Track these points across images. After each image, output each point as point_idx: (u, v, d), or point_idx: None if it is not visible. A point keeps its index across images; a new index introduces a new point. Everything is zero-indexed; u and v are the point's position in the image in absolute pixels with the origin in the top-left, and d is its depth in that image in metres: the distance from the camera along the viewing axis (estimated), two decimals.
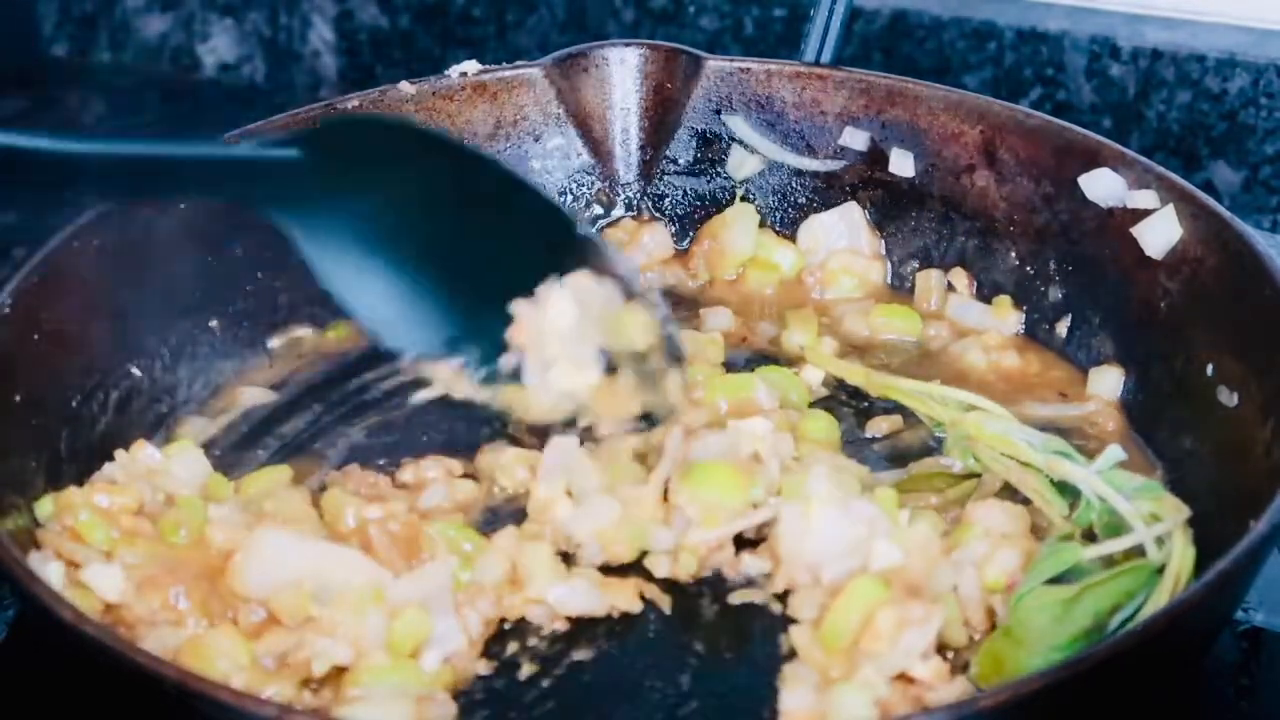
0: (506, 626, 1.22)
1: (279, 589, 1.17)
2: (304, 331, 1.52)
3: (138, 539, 1.22)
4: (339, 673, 1.15)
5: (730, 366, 1.45)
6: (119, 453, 1.31)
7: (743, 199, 1.63)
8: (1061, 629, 1.14)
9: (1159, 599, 1.14)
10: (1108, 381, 1.42)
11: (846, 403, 1.43)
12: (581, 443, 1.31)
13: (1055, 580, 1.17)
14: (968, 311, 1.52)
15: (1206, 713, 1.23)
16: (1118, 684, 1.02)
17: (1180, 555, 1.17)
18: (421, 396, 1.28)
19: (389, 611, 1.16)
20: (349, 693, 1.14)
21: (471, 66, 1.60)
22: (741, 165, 1.63)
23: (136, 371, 1.40)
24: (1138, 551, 1.19)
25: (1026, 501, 1.27)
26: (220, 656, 1.13)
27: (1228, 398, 1.30)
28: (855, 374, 1.43)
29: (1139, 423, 1.39)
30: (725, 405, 1.36)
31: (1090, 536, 1.23)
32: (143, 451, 1.31)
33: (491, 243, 1.27)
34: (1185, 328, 1.37)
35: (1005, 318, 1.51)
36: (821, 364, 1.45)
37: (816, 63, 1.60)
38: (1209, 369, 1.32)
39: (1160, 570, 1.16)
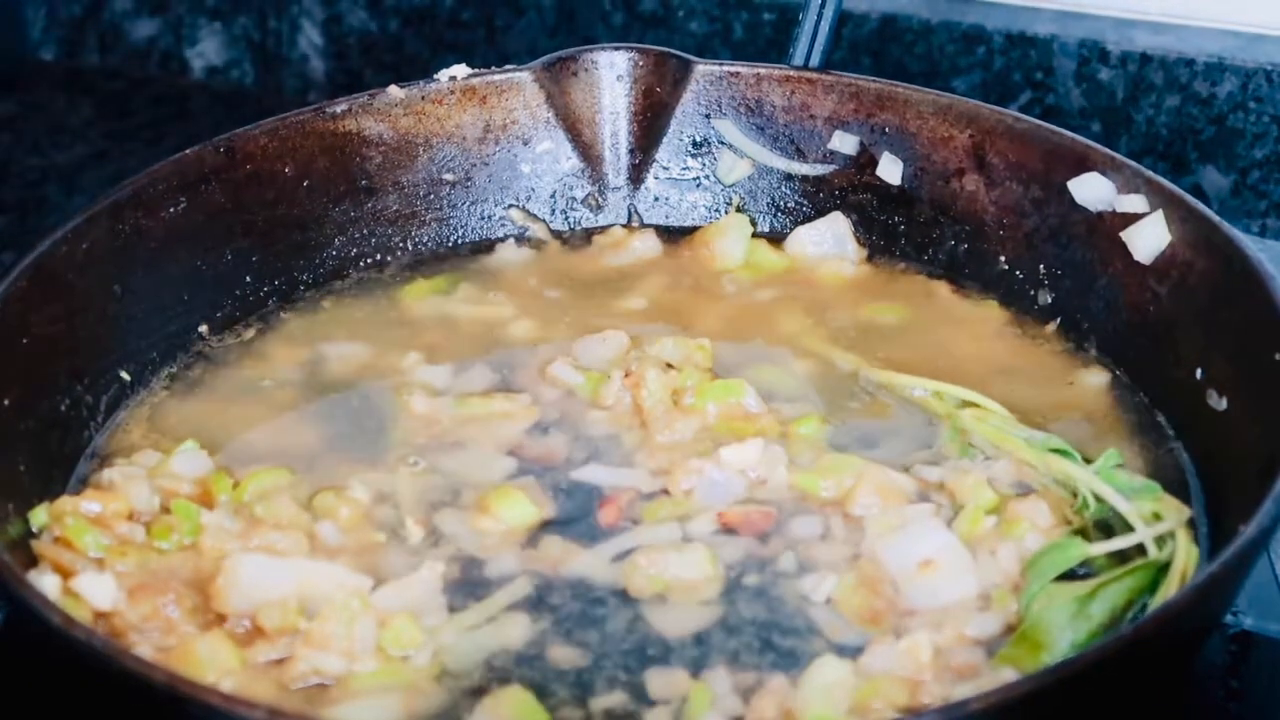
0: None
1: (264, 607, 1.17)
2: (293, 334, 1.51)
3: (129, 546, 1.22)
4: None
5: (719, 367, 1.44)
6: (117, 457, 1.31)
7: (738, 209, 1.63)
8: (1080, 625, 1.14)
9: (1166, 595, 1.15)
10: (1096, 385, 1.42)
11: (836, 401, 1.42)
12: None
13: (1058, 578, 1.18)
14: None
15: (1195, 716, 1.23)
16: (1107, 688, 1.02)
17: (1185, 554, 1.17)
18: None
19: (378, 620, 1.16)
20: (337, 691, 1.14)
21: (461, 70, 1.60)
22: (731, 169, 1.63)
23: (126, 375, 1.40)
24: (1144, 549, 1.19)
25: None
26: (210, 661, 1.13)
27: (1216, 401, 1.30)
28: (849, 361, 1.43)
29: (1127, 427, 1.39)
30: (714, 410, 1.36)
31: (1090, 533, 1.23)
32: (142, 453, 1.31)
33: None
34: (1174, 332, 1.37)
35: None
36: (815, 349, 1.45)
37: (805, 66, 1.60)
38: (1198, 373, 1.32)
39: (1165, 568, 1.17)
